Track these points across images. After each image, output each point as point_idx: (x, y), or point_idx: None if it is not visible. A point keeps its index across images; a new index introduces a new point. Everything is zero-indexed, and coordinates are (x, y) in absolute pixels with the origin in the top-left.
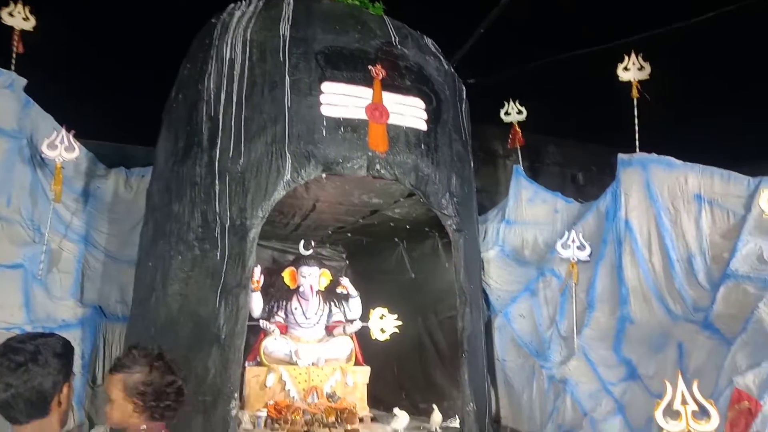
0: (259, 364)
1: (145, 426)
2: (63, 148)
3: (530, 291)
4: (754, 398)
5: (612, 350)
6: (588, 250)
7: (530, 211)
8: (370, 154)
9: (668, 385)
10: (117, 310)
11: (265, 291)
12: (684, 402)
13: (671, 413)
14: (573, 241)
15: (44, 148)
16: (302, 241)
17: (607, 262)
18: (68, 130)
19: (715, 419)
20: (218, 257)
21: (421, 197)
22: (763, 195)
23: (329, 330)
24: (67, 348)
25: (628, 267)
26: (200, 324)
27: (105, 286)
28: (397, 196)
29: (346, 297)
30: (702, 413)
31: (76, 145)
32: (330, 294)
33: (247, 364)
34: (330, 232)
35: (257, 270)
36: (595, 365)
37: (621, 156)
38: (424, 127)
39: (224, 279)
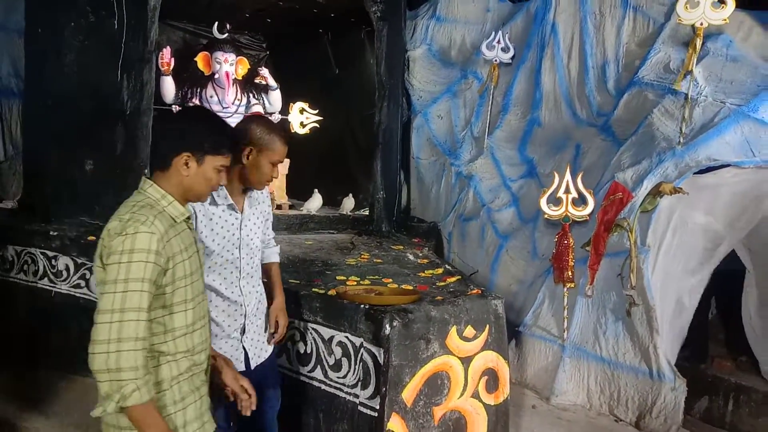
0: None
1: None
2: None
3: (451, 92)
4: (628, 190)
5: (517, 150)
6: (512, 52)
7: (462, 8)
8: None
9: (556, 176)
10: (11, 84)
11: (177, 75)
12: (567, 191)
13: (555, 201)
14: (498, 42)
15: None
16: (216, 23)
17: (527, 66)
18: None
19: (591, 206)
20: (116, 26)
21: None
22: (681, 1)
23: None
24: None
25: (546, 71)
26: (102, 99)
27: None
28: None
29: (265, 88)
30: (581, 201)
31: None
32: (248, 84)
33: None
34: (247, 15)
35: (167, 51)
36: (499, 163)
37: None
38: None
39: (124, 51)
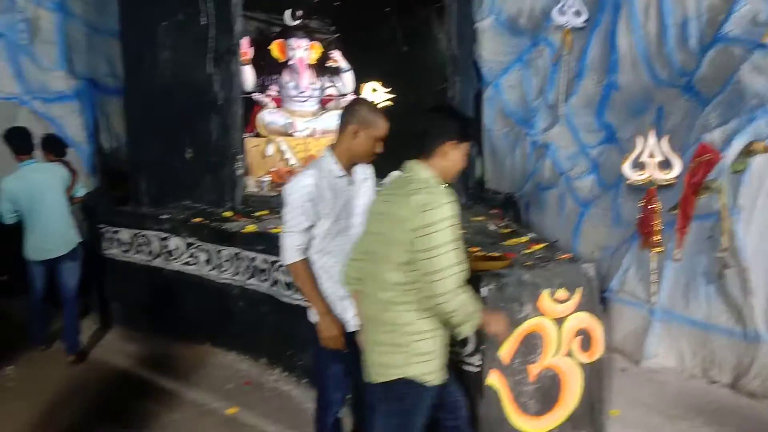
0: (258, 135)
1: None
2: None
3: (522, 62)
4: (716, 151)
5: (594, 116)
6: (585, 15)
7: None
8: None
9: (638, 140)
10: (108, 82)
11: (255, 64)
12: (651, 155)
13: (638, 166)
14: (570, 6)
15: None
16: (288, 11)
17: (602, 29)
18: None
19: (678, 169)
20: (203, 22)
21: None
22: None
23: (323, 104)
24: None
25: (622, 33)
26: (196, 91)
27: (92, 58)
28: None
29: (337, 71)
30: (666, 165)
31: None
32: (321, 68)
33: (244, 135)
34: (316, 0)
35: (245, 42)
36: (577, 130)
37: None
38: None
39: (212, 45)
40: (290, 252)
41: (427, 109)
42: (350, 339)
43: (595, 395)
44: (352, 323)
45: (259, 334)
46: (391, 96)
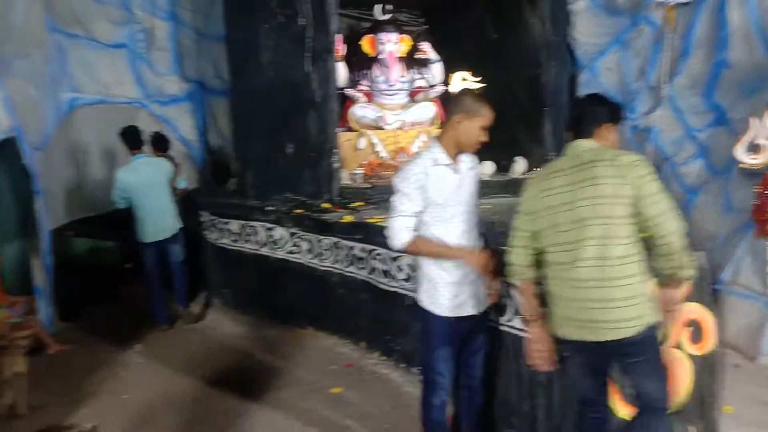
0: (350, 129)
1: None
2: None
3: (620, 42)
4: None
5: (702, 97)
6: None
7: None
8: None
9: (752, 121)
10: (215, 84)
11: (347, 60)
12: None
13: (753, 149)
14: None
15: None
16: (378, 6)
17: (710, 3)
18: None
19: None
20: (301, 23)
21: None
22: None
23: (412, 96)
24: None
25: (733, 6)
26: (296, 89)
27: (200, 63)
28: None
29: (426, 62)
30: None
31: None
32: (411, 60)
33: (337, 130)
34: None
35: (338, 39)
36: (682, 113)
37: None
38: None
39: (310, 44)
40: (400, 233)
41: (579, 98)
42: (461, 323)
43: (706, 389)
44: (480, 306)
45: (359, 319)
46: (482, 84)
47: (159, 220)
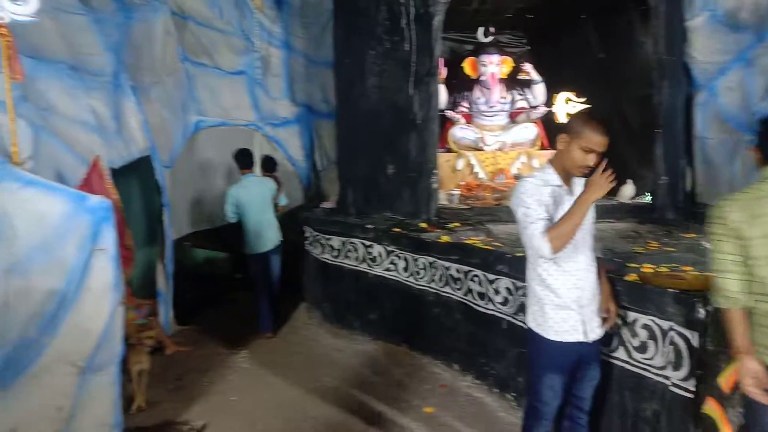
0: (449, 150)
1: None
2: None
3: (743, 60)
4: None
5: None
6: None
7: None
8: None
9: None
10: (322, 108)
11: (448, 82)
12: None
13: None
14: None
15: None
16: (481, 29)
17: None
18: None
19: None
20: (406, 48)
21: None
22: None
23: (513, 117)
24: None
25: None
26: (398, 112)
27: (309, 87)
28: None
29: (528, 83)
30: None
31: None
32: (512, 81)
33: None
34: (509, 15)
35: (439, 62)
36: None
37: None
38: None
39: (413, 69)
40: (542, 239)
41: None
42: (570, 349)
43: None
44: (592, 333)
45: (453, 340)
46: (587, 106)
47: (263, 233)
